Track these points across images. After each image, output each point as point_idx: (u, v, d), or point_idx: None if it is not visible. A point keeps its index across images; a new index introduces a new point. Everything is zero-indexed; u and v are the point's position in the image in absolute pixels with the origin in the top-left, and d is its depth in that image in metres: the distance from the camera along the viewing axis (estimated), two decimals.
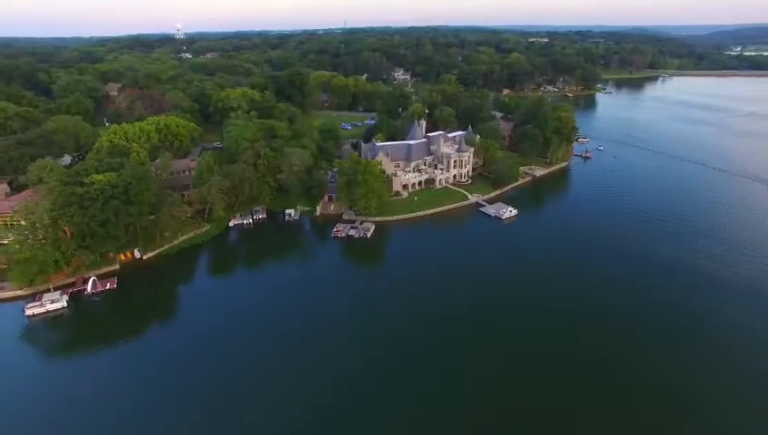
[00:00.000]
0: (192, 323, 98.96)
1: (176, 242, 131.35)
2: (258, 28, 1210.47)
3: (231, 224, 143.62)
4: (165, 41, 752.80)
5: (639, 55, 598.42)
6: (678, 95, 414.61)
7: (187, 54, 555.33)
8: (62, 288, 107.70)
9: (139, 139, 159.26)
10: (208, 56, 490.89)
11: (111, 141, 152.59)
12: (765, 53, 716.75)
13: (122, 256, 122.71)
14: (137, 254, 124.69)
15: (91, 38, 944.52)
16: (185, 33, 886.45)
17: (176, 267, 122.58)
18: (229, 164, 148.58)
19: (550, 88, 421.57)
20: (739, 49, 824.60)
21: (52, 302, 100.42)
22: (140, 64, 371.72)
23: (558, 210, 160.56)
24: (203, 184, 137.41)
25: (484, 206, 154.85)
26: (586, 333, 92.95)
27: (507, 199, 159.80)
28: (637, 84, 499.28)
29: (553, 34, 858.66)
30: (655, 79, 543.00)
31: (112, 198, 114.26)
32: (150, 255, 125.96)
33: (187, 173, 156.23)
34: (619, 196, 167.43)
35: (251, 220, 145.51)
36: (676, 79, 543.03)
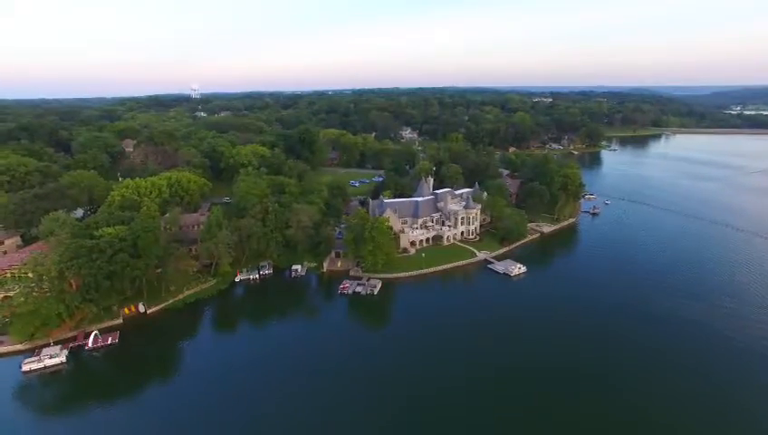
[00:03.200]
0: (193, 381, 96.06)
1: (180, 296, 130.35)
2: (271, 89, 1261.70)
3: (237, 279, 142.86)
4: (181, 100, 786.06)
5: (642, 114, 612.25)
6: (683, 152, 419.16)
7: (202, 113, 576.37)
8: (63, 342, 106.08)
9: (150, 193, 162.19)
10: (222, 115, 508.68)
11: (123, 195, 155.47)
12: (765, 112, 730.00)
13: (126, 310, 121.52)
14: (141, 308, 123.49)
15: (112, 98, 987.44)
16: (200, 94, 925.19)
17: (179, 323, 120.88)
18: (238, 219, 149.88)
19: (555, 146, 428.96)
20: (739, 108, 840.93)
21: (51, 357, 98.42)
22: (156, 122, 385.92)
23: (567, 267, 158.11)
24: (211, 238, 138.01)
25: (492, 263, 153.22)
26: (595, 397, 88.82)
27: (515, 256, 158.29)
28: (641, 142, 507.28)
29: (556, 95, 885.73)
30: (658, 136, 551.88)
31: (120, 251, 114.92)
32: (154, 309, 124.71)
33: (195, 227, 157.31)
34: (628, 252, 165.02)
35: (257, 275, 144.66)
36: (679, 136, 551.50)
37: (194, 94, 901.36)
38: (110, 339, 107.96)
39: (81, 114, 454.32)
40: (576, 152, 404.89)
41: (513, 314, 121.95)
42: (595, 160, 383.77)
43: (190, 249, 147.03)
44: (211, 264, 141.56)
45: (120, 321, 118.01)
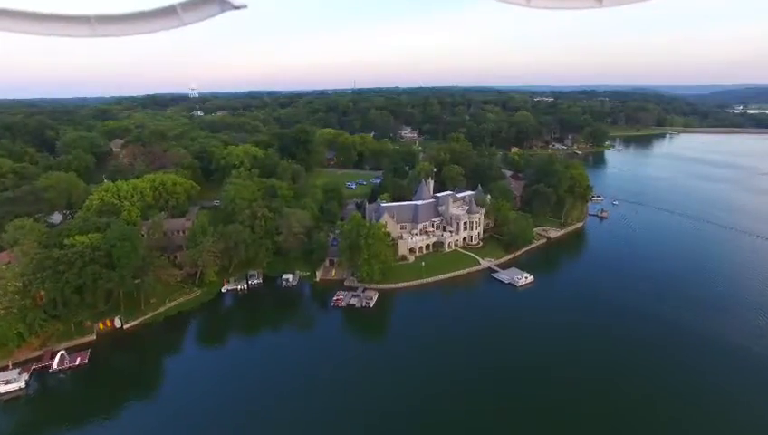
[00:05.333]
0: (173, 402, 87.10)
1: (162, 309, 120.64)
2: (271, 88, 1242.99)
3: (224, 289, 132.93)
4: (179, 100, 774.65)
5: (645, 113, 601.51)
6: (689, 152, 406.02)
7: (199, 112, 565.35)
8: (25, 364, 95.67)
9: (132, 197, 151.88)
10: (218, 114, 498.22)
11: (102, 199, 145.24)
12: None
13: (101, 326, 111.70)
14: (117, 323, 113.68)
15: (110, 97, 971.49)
16: (199, 93, 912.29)
17: (160, 338, 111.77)
18: (225, 224, 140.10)
19: (558, 145, 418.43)
20: (741, 108, 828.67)
21: (7, 382, 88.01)
22: (151, 122, 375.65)
23: (576, 276, 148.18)
24: (195, 246, 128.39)
25: (496, 271, 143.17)
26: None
27: (521, 264, 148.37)
28: (645, 141, 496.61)
29: (558, 94, 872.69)
30: (662, 136, 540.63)
31: (92, 262, 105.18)
32: (133, 323, 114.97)
33: (181, 233, 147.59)
34: (642, 260, 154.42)
35: (245, 285, 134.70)
36: (683, 136, 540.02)
37: (192, 94, 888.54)
38: (78, 359, 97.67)
39: (74, 113, 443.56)
40: (580, 152, 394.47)
41: (519, 329, 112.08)
42: (600, 161, 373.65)
43: (175, 257, 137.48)
44: (196, 273, 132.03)
45: (93, 338, 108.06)
